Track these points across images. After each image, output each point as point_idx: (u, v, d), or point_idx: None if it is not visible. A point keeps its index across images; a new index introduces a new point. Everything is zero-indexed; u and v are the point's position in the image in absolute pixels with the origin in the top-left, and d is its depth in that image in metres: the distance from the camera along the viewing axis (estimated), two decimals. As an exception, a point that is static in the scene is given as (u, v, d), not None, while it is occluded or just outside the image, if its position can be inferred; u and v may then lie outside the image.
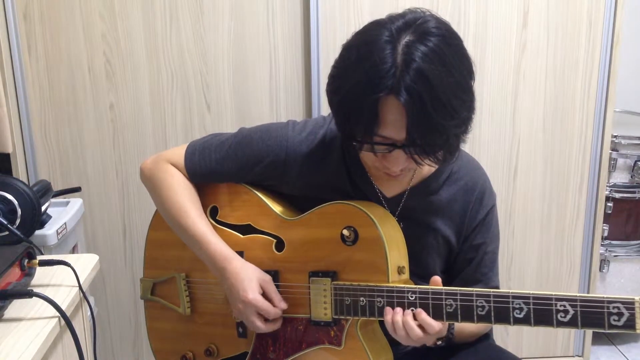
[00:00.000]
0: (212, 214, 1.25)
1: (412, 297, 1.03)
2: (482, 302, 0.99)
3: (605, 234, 2.21)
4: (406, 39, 0.94)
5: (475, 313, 0.99)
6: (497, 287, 1.19)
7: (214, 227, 1.22)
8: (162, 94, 1.86)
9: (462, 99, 0.96)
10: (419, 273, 1.15)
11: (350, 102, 0.96)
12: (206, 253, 1.16)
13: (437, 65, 0.92)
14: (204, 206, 1.24)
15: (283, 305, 1.13)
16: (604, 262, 2.24)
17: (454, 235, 1.16)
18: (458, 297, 1.00)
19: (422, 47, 0.92)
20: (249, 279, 1.12)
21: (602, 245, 2.21)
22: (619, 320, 0.91)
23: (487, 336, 1.26)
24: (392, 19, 0.98)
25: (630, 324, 0.91)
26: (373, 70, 0.93)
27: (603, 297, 0.92)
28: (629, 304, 0.91)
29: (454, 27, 0.99)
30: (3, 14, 1.73)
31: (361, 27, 1.02)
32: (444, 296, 1.01)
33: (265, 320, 1.12)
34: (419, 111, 0.92)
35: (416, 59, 0.91)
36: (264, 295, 1.13)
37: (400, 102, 0.92)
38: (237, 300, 1.12)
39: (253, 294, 1.11)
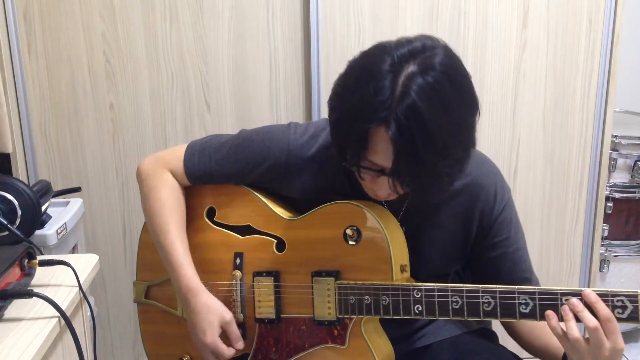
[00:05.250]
0: (210, 215, 1.25)
1: (417, 294, 1.03)
2: (488, 298, 0.99)
3: (605, 234, 2.21)
4: (409, 70, 0.91)
5: (481, 309, 1.00)
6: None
7: (212, 229, 1.22)
8: (162, 94, 1.85)
9: (458, 139, 0.93)
10: (426, 269, 1.15)
11: (342, 125, 0.97)
12: (175, 278, 1.17)
13: (434, 103, 0.90)
14: (202, 207, 1.23)
15: (240, 345, 1.15)
16: (604, 262, 2.24)
17: (462, 230, 1.15)
18: (464, 293, 1.01)
19: (421, 81, 0.90)
20: (210, 321, 1.13)
21: (602, 245, 2.21)
22: (622, 313, 0.94)
23: (491, 337, 1.26)
24: (398, 44, 0.95)
25: (634, 317, 0.93)
26: (367, 100, 0.91)
27: (607, 291, 0.94)
28: (633, 297, 0.93)
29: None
30: (3, 14, 1.73)
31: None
32: (450, 293, 1.01)
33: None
34: (407, 147, 0.91)
35: (412, 94, 0.89)
36: (223, 335, 1.14)
37: (388, 135, 0.91)
38: (196, 339, 1.15)
39: (211, 337, 1.12)
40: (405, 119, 0.89)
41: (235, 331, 1.15)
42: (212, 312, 1.14)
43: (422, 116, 0.89)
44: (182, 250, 1.17)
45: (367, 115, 0.92)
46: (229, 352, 1.14)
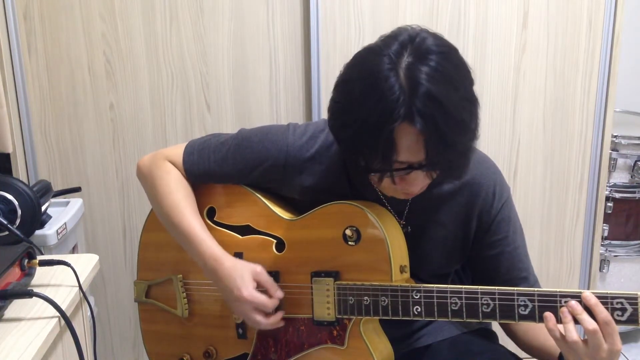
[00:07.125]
0: (210, 214, 1.25)
1: (416, 295, 1.03)
2: (487, 300, 0.99)
3: (605, 234, 2.21)
4: (406, 61, 0.92)
5: (480, 311, 1.00)
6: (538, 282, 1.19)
7: (212, 228, 1.22)
8: (162, 94, 1.86)
9: (470, 111, 0.95)
10: (427, 269, 1.15)
11: (364, 136, 0.94)
12: (197, 252, 1.15)
13: (444, 84, 0.91)
14: (201, 206, 1.23)
15: (279, 294, 1.12)
16: (604, 262, 2.24)
17: (462, 229, 1.15)
18: (463, 295, 1.01)
19: (425, 68, 0.91)
20: (241, 276, 1.10)
21: (602, 245, 2.21)
22: (622, 316, 0.94)
23: (490, 337, 1.26)
24: (385, 43, 0.96)
25: (633, 319, 0.93)
26: (383, 102, 0.91)
27: (607, 293, 0.94)
28: (632, 299, 0.93)
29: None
30: (3, 14, 1.73)
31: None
32: (448, 294, 1.02)
33: (266, 314, 1.11)
34: (435, 133, 0.91)
35: (422, 82, 0.90)
36: (259, 287, 1.11)
37: (415, 128, 0.91)
38: (233, 300, 1.11)
39: (247, 291, 1.09)
40: (425, 106, 0.90)
41: (269, 280, 1.12)
42: (240, 268, 1.11)
43: (439, 100, 0.90)
44: (200, 226, 1.17)
45: (388, 118, 0.91)
46: (271, 302, 1.10)
